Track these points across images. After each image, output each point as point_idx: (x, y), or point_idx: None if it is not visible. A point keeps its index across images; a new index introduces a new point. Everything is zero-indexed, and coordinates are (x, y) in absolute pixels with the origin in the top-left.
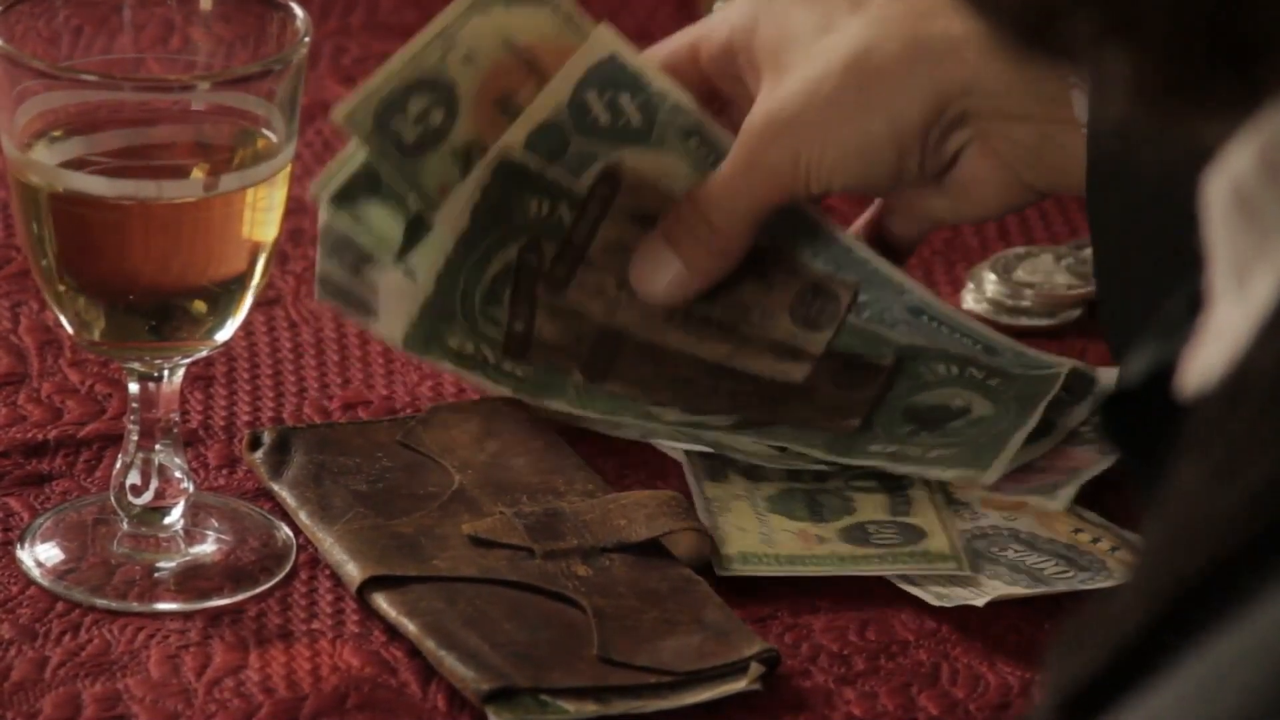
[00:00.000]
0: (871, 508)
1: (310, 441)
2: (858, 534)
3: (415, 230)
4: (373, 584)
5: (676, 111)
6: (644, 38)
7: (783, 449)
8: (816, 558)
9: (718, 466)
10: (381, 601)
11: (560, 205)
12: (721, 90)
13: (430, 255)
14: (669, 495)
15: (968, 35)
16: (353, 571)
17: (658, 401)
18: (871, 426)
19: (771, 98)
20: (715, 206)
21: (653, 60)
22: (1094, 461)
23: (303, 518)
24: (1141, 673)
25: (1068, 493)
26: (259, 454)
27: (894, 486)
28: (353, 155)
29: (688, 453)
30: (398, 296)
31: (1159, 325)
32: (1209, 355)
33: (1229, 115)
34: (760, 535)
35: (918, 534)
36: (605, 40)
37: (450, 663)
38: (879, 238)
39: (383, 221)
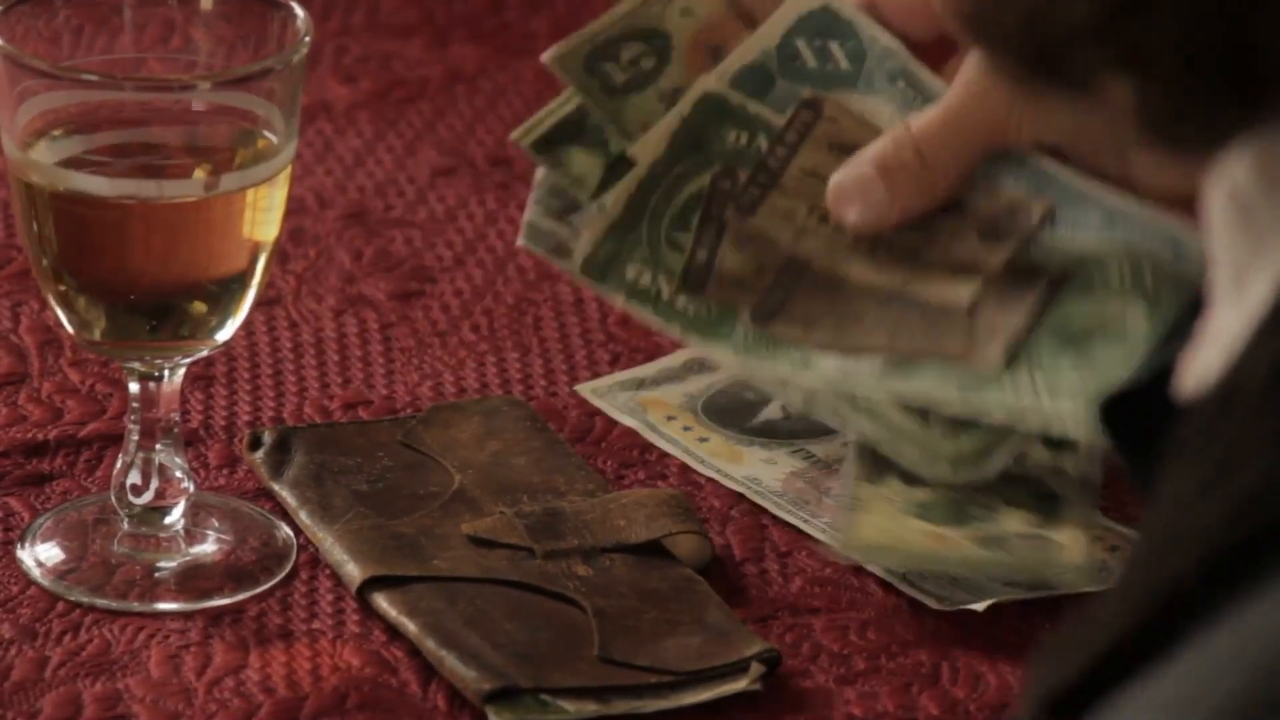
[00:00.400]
0: (1017, 521)
1: (311, 441)
2: (992, 543)
3: (614, 170)
4: (373, 584)
5: (886, 55)
6: None
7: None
8: (942, 557)
9: (878, 471)
10: (382, 601)
11: (759, 137)
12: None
13: (624, 182)
14: (669, 494)
15: None
16: (353, 571)
17: (819, 344)
18: (1014, 361)
19: None
20: (929, 140)
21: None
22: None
23: (303, 517)
24: (1126, 675)
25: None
26: (259, 454)
27: (1045, 505)
28: (559, 105)
29: (856, 447)
30: (588, 225)
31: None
32: (1207, 358)
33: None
34: (890, 533)
35: (1055, 548)
36: None
37: (451, 662)
38: None
39: (584, 164)
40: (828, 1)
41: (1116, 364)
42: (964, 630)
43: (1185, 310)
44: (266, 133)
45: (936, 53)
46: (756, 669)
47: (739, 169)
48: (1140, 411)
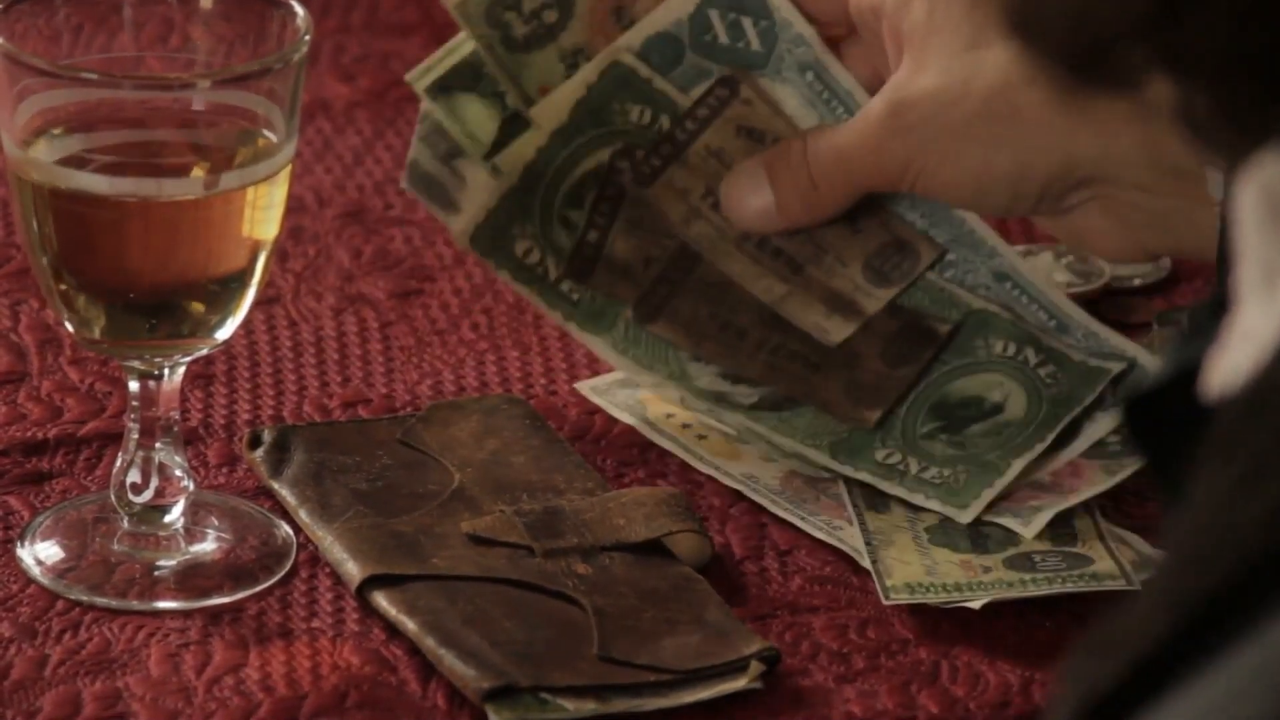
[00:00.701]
0: (1035, 539)
1: (310, 440)
2: (1023, 562)
3: (509, 129)
4: (372, 582)
5: (798, 42)
6: None
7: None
8: (983, 584)
9: (879, 498)
10: (381, 600)
11: (662, 116)
12: (859, 29)
13: (520, 148)
14: (668, 493)
15: (1112, 100)
16: (352, 570)
17: (699, 355)
18: (888, 422)
19: (907, 88)
20: (822, 166)
21: None
22: (1093, 483)
23: (303, 516)
24: (1163, 682)
25: (1041, 519)
26: (259, 452)
27: (1059, 521)
28: (458, 46)
29: (846, 481)
30: (479, 189)
31: (1186, 326)
32: (1235, 358)
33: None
34: (924, 566)
35: (1084, 560)
36: None
37: (450, 661)
38: None
39: (478, 116)
40: None
41: (989, 455)
42: (963, 629)
43: (1207, 309)
44: (266, 131)
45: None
46: (756, 667)
47: (638, 148)
48: (1165, 412)
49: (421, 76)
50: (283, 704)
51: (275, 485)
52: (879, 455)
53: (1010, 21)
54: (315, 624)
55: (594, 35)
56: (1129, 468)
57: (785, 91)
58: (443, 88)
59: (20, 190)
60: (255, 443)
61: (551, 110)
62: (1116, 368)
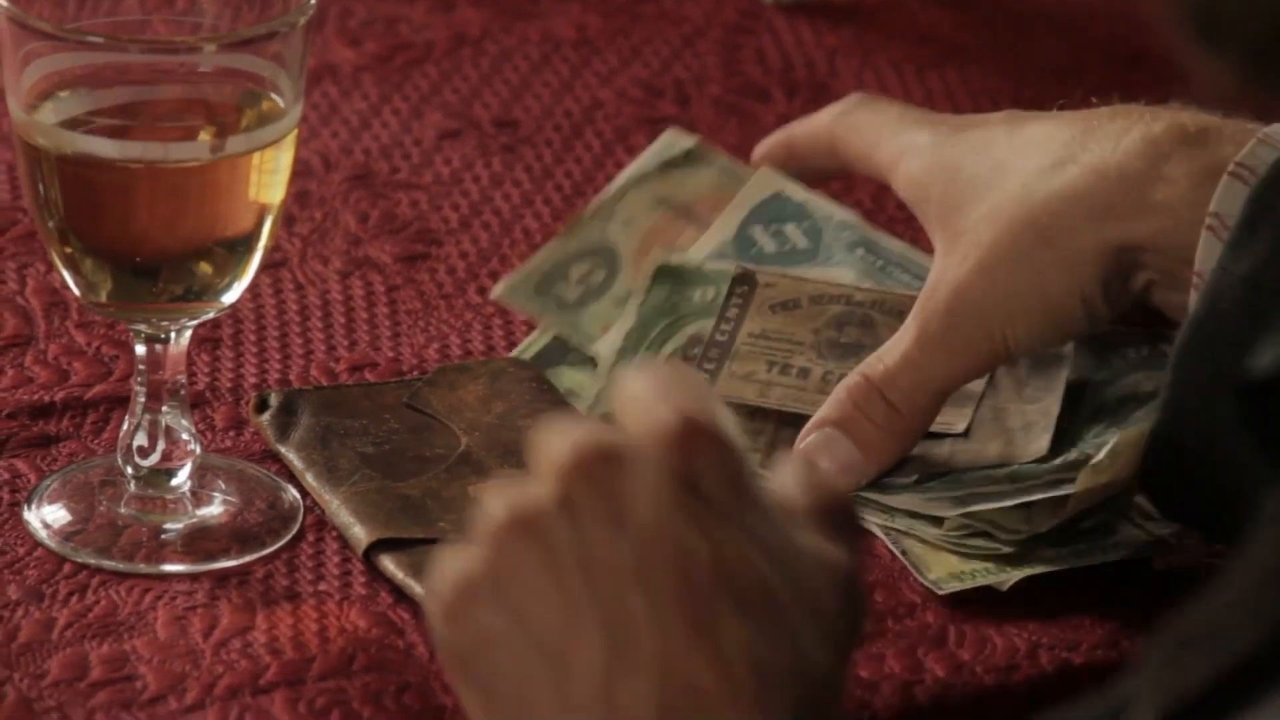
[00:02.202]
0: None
1: (317, 404)
2: (1050, 537)
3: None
4: (380, 546)
5: (843, 227)
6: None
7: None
8: (1025, 559)
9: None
10: (388, 563)
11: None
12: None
13: (606, 353)
14: None
15: (1147, 188)
16: (360, 534)
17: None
18: (1060, 441)
19: (952, 273)
20: (898, 388)
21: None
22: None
23: (309, 480)
24: (1249, 691)
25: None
26: (266, 416)
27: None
28: (539, 336)
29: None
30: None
31: None
32: None
33: None
34: (958, 558)
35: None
36: (768, 182)
37: None
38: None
39: (575, 380)
40: (779, 189)
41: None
42: (971, 593)
43: None
44: (273, 95)
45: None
46: None
47: (689, 356)
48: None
49: (523, 352)
50: (290, 666)
51: (282, 449)
52: (1058, 461)
53: (1200, 22)
54: (322, 587)
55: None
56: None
57: (838, 272)
58: (542, 363)
59: (27, 154)
60: (262, 406)
61: (619, 325)
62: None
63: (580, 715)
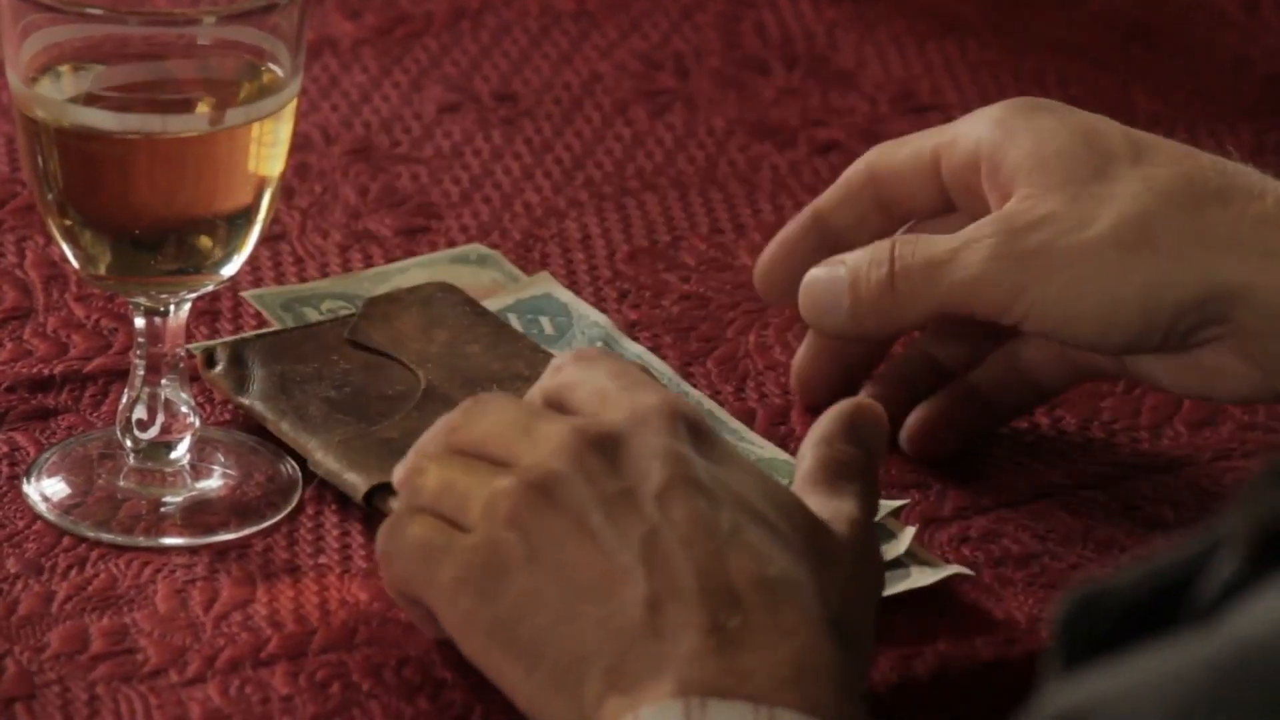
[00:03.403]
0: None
1: (263, 351)
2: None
3: None
4: (378, 491)
5: (593, 325)
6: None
7: None
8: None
9: None
10: (394, 506)
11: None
12: (955, 202)
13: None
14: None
15: (1253, 227)
16: (355, 480)
17: None
18: None
19: (1024, 214)
20: (907, 273)
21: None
22: None
23: (285, 429)
24: None
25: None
26: (218, 370)
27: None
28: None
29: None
30: None
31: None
32: None
33: None
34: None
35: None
36: (543, 284)
37: None
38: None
39: None
40: (549, 290)
41: None
42: (972, 566)
43: None
44: (272, 66)
45: None
46: None
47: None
48: None
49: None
50: (291, 639)
51: (245, 401)
52: None
53: None
54: (323, 560)
55: None
56: None
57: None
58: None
59: (26, 126)
60: (211, 362)
61: None
62: None
63: (631, 639)
